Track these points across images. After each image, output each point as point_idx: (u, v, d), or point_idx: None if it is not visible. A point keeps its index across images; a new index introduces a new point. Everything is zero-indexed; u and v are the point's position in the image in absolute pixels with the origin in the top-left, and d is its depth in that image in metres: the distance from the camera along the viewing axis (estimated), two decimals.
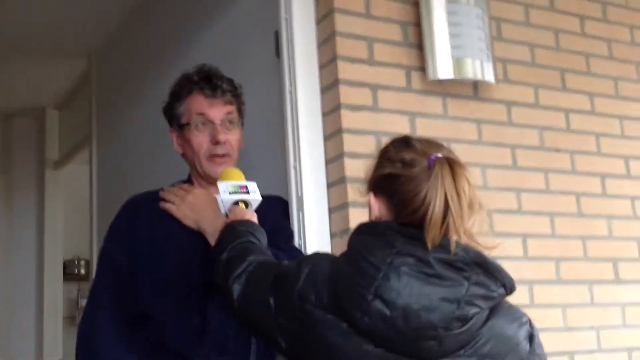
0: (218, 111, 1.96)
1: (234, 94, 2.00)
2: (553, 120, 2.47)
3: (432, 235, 1.33)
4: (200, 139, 1.95)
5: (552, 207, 2.39)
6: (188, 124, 1.96)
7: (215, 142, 1.94)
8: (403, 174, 1.40)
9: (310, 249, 2.00)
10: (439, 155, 1.39)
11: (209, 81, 1.97)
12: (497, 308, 1.38)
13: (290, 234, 2.04)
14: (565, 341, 2.28)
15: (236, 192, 1.81)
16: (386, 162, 1.45)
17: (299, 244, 2.04)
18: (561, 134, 2.47)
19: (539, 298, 2.27)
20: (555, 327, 2.28)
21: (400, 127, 2.12)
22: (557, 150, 2.45)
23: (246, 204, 1.81)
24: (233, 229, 1.68)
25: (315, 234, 2.06)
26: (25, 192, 4.56)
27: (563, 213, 2.40)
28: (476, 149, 2.27)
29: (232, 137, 1.98)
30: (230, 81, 2.00)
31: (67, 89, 4.47)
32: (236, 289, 1.51)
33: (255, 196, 1.83)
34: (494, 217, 2.24)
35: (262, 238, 1.69)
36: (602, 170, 2.52)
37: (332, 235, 2.07)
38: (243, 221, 1.73)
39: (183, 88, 1.99)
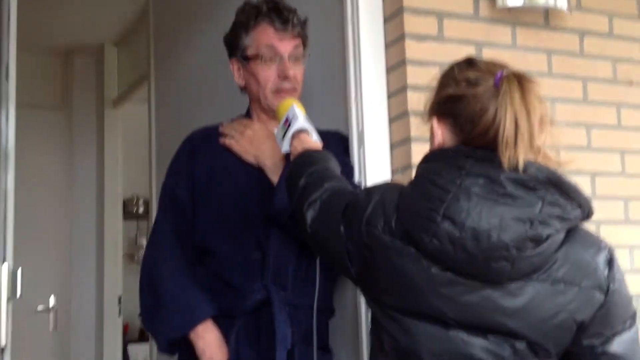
0: (287, 45, 1.92)
1: (302, 28, 1.95)
2: (627, 52, 2.34)
3: (507, 155, 1.28)
4: (267, 73, 1.91)
5: (623, 144, 2.29)
6: (255, 56, 1.92)
7: (284, 77, 1.90)
8: (468, 93, 1.35)
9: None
10: (505, 71, 1.33)
11: (279, 13, 1.92)
12: (573, 233, 1.33)
13: (349, 170, 2.00)
14: (632, 284, 2.21)
15: (307, 121, 1.78)
16: (449, 82, 1.40)
17: (359, 181, 2.01)
18: (636, 66, 2.35)
19: (607, 238, 2.19)
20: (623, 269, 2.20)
21: None
22: (631, 83, 2.33)
23: (308, 133, 1.78)
24: (310, 155, 1.66)
25: (376, 170, 2.02)
26: (84, 130, 4.60)
27: (635, 150, 2.30)
28: (545, 82, 2.13)
29: (298, 72, 1.94)
30: (297, 14, 1.95)
31: (126, 26, 4.46)
32: (310, 214, 1.50)
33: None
34: (562, 154, 2.16)
35: (336, 166, 1.66)
36: None
37: (394, 172, 2.03)
38: (318, 149, 1.71)
39: (250, 18, 1.93)
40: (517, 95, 1.29)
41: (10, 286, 2.06)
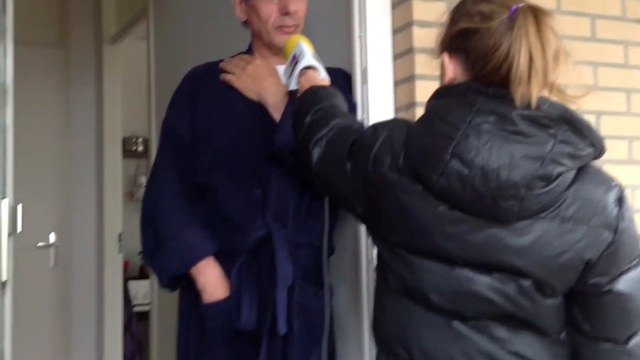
0: None
1: None
2: None
3: (520, 92, 1.25)
4: (269, 8, 1.88)
5: (629, 83, 2.26)
6: None
7: (285, 12, 1.87)
8: (481, 27, 1.31)
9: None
10: (521, 4, 1.29)
11: None
12: (583, 171, 1.31)
13: (352, 107, 1.98)
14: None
15: (315, 58, 1.75)
16: (462, 16, 1.36)
17: (362, 118, 1.99)
18: None
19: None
20: None
21: None
22: (639, 21, 2.28)
23: (315, 70, 1.75)
24: (316, 92, 1.63)
25: (379, 108, 1.99)
26: (83, 68, 4.54)
27: None
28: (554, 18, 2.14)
29: (300, 8, 1.91)
30: None
31: None
32: (316, 152, 1.48)
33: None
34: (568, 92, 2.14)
35: (343, 103, 1.64)
36: None
37: (397, 110, 2.00)
38: (324, 86, 1.69)
39: None
40: (532, 29, 1.25)
41: (10, 222, 2.06)
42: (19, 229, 2.08)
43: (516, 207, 1.26)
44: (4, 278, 2.03)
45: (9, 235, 2.06)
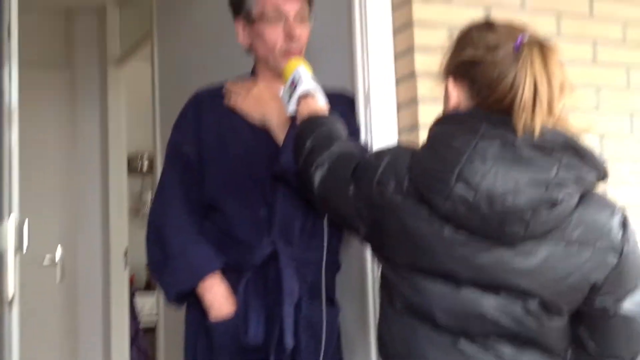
0: (293, 5, 1.90)
1: None
2: (638, 13, 2.30)
3: (523, 121, 1.27)
4: (274, 34, 1.90)
5: (632, 106, 2.27)
6: (261, 16, 1.90)
7: (290, 37, 1.89)
8: (487, 58, 1.33)
9: (376, 146, 1.96)
10: (526, 37, 1.31)
11: None
12: (587, 196, 1.32)
13: (356, 131, 2.00)
14: None
15: (314, 82, 1.77)
16: (468, 46, 1.38)
17: (366, 140, 2.01)
18: None
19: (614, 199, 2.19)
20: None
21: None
22: None
23: (314, 95, 1.77)
24: (316, 118, 1.66)
25: (382, 131, 2.01)
26: (88, 89, 4.58)
27: None
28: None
29: (304, 32, 1.93)
30: None
31: None
32: (318, 175, 1.50)
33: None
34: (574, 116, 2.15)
35: (342, 129, 1.66)
36: None
37: (400, 132, 2.03)
38: (323, 112, 1.71)
39: None
40: (537, 61, 1.28)
41: (17, 239, 2.07)
42: (25, 245, 2.09)
43: (522, 231, 1.27)
44: (10, 295, 2.04)
45: (15, 252, 2.07)
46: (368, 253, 1.96)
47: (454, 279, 1.32)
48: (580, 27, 2.22)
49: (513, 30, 1.35)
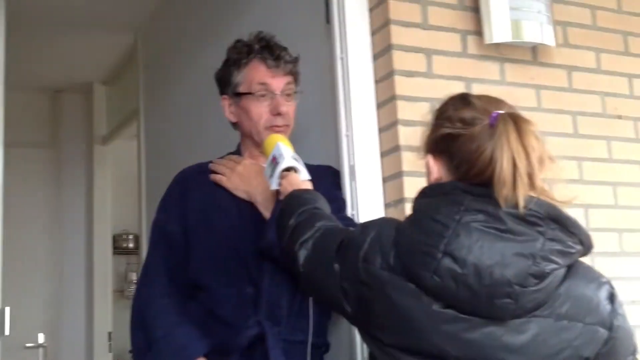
0: (279, 82, 1.93)
1: (294, 65, 1.97)
2: (615, 86, 2.37)
3: (504, 194, 1.26)
4: (260, 110, 1.92)
5: (615, 176, 2.30)
6: (247, 93, 1.93)
7: (277, 113, 1.91)
8: (464, 133, 1.34)
9: (363, 220, 1.95)
10: (501, 111, 1.32)
11: (271, 51, 1.93)
12: (573, 269, 1.32)
13: (342, 204, 2.00)
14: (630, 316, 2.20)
15: (295, 158, 1.77)
16: (444, 121, 1.39)
17: (352, 214, 2.00)
18: (624, 100, 2.37)
19: (601, 270, 2.18)
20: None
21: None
22: (620, 117, 2.35)
23: (295, 171, 1.77)
24: (299, 196, 1.65)
25: (368, 204, 2.01)
26: (73, 167, 4.60)
27: (626, 183, 2.31)
28: (535, 116, 2.11)
29: (290, 108, 1.95)
30: (288, 52, 1.97)
31: (114, 64, 4.48)
32: (302, 254, 1.48)
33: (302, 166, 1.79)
34: (558, 188, 2.17)
35: (326, 206, 1.65)
36: None
37: (387, 206, 2.03)
38: (307, 189, 1.70)
39: (242, 56, 1.95)
40: (513, 136, 1.28)
41: None
42: (7, 332, 2.05)
43: (511, 306, 1.25)
44: None
45: None
46: (357, 333, 1.92)
47: (443, 358, 1.29)
48: (559, 99, 2.26)
49: (489, 105, 1.36)
